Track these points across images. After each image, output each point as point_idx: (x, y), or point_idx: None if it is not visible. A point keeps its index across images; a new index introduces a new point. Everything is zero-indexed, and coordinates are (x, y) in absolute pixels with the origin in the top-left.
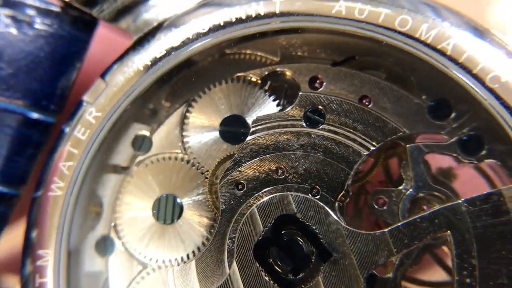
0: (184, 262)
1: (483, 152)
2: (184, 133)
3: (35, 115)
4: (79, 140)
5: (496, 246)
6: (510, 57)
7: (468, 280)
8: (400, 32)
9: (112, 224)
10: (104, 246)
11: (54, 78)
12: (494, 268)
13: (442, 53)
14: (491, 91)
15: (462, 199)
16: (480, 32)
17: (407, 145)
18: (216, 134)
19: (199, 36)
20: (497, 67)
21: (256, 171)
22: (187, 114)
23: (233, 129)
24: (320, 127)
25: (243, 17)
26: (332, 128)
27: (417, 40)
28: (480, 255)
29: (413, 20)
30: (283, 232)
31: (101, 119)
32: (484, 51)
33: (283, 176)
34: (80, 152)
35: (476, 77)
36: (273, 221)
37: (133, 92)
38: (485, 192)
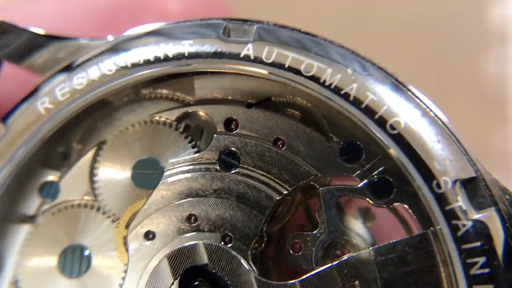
0: None
1: (392, 196)
2: (94, 178)
3: None
4: None
5: None
6: (410, 102)
7: None
8: (306, 77)
9: (13, 280)
10: None
11: None
12: None
13: (345, 98)
14: (392, 137)
15: (370, 248)
16: (383, 77)
17: (320, 189)
18: (127, 178)
19: (104, 79)
20: (398, 112)
21: (167, 218)
22: (98, 158)
23: (146, 172)
24: (235, 170)
25: (151, 59)
26: (246, 171)
27: (322, 85)
28: None
29: (318, 65)
30: (193, 284)
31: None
32: (386, 96)
33: (195, 224)
34: None
35: (377, 122)
36: (182, 273)
37: (34, 137)
38: (392, 242)
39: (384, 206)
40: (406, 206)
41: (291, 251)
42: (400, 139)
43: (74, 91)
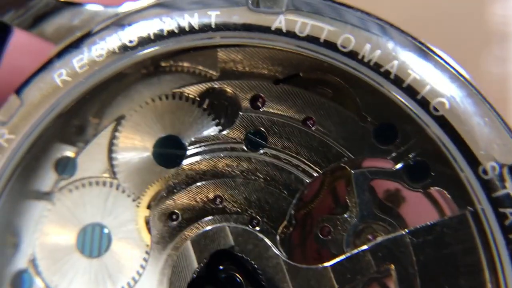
0: None
1: (429, 180)
2: (113, 155)
3: None
4: None
5: (440, 280)
6: (455, 81)
7: None
8: (342, 53)
9: (31, 258)
10: (21, 282)
11: None
12: None
13: (385, 76)
14: (434, 118)
15: (406, 230)
16: (425, 53)
17: (352, 171)
18: (148, 156)
19: (126, 50)
20: (442, 92)
21: (192, 199)
22: (117, 134)
23: (167, 151)
24: (262, 151)
25: (176, 30)
26: (274, 152)
27: (360, 61)
28: None
29: (355, 40)
30: (219, 268)
31: (15, 142)
32: (428, 74)
33: (221, 205)
34: None
35: (419, 103)
36: (208, 257)
37: (52, 111)
38: (428, 223)
39: (421, 190)
40: (444, 191)
41: (319, 234)
42: (444, 122)
43: (93, 62)
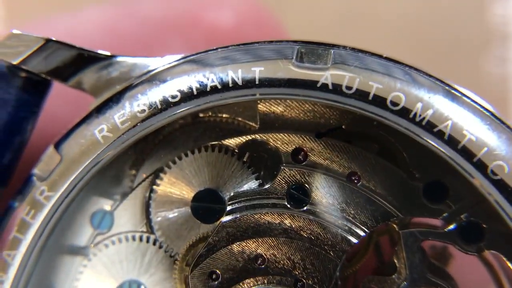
0: None
1: (484, 242)
2: (150, 209)
3: None
4: (27, 224)
5: None
6: None
7: None
8: (392, 111)
9: None
10: None
11: None
12: None
13: (439, 136)
14: (493, 182)
15: None
16: (481, 113)
17: (401, 231)
18: (187, 210)
19: (168, 106)
20: (501, 154)
21: (233, 258)
22: (155, 187)
23: (207, 205)
24: (305, 208)
25: (219, 86)
26: (318, 209)
27: (411, 121)
28: None
29: (406, 98)
30: None
31: (53, 199)
32: (485, 136)
33: (263, 266)
34: (28, 238)
35: (476, 165)
36: None
37: (92, 168)
38: None
39: (475, 253)
40: (501, 255)
41: None
42: (503, 186)
43: (135, 118)
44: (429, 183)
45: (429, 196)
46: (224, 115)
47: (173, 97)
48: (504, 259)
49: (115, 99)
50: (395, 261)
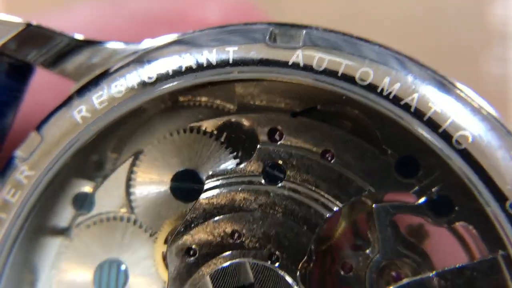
0: None
1: (454, 214)
2: (130, 190)
3: None
4: (8, 203)
5: None
6: (477, 115)
7: None
8: (361, 86)
9: None
10: None
11: None
12: None
13: (405, 109)
14: (458, 152)
15: (433, 272)
16: (446, 86)
17: (374, 206)
18: (166, 190)
19: (144, 86)
20: (465, 125)
21: (210, 234)
22: (135, 169)
23: (185, 185)
24: (280, 184)
25: (194, 66)
26: (292, 186)
27: (379, 95)
28: None
29: (374, 73)
30: None
31: (34, 178)
32: (450, 108)
33: (239, 241)
34: (8, 217)
35: (442, 136)
36: None
37: (71, 147)
38: (457, 265)
39: (446, 225)
40: (470, 226)
41: (341, 271)
42: (467, 155)
43: (113, 99)
44: (400, 159)
45: (401, 171)
46: (203, 99)
47: (149, 77)
48: (474, 230)
49: (94, 82)
50: (369, 236)
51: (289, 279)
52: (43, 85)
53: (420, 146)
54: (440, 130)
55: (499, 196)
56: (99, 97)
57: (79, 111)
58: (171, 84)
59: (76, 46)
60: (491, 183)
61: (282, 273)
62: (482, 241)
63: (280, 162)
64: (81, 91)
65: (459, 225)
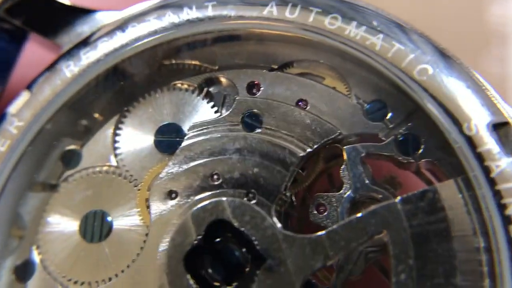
0: None
1: (420, 151)
2: (116, 145)
3: None
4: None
5: (432, 245)
6: (436, 51)
7: (405, 281)
8: (330, 30)
9: (34, 246)
10: (24, 271)
11: None
12: (431, 268)
13: (371, 49)
14: (419, 83)
15: (399, 197)
16: (407, 29)
17: (345, 147)
18: (150, 144)
19: (129, 42)
20: (426, 60)
21: (190, 178)
22: (120, 125)
23: (168, 138)
24: (257, 131)
25: (176, 21)
26: (269, 131)
27: (346, 38)
28: (417, 255)
29: (342, 18)
30: (216, 240)
31: (23, 129)
32: (413, 45)
33: (218, 182)
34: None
35: (404, 70)
36: (206, 228)
37: (58, 100)
38: (421, 190)
39: (412, 161)
40: (435, 161)
41: (315, 211)
42: (428, 85)
43: (98, 55)
44: (369, 103)
45: (370, 114)
46: (185, 61)
47: (132, 37)
48: (439, 166)
49: (82, 42)
50: (342, 178)
51: (264, 213)
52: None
53: (387, 92)
54: (403, 64)
55: (456, 120)
56: (85, 52)
57: (67, 66)
58: (152, 39)
59: (67, 14)
60: (450, 107)
61: (257, 208)
62: (446, 176)
63: (257, 111)
64: (71, 51)
65: (425, 169)
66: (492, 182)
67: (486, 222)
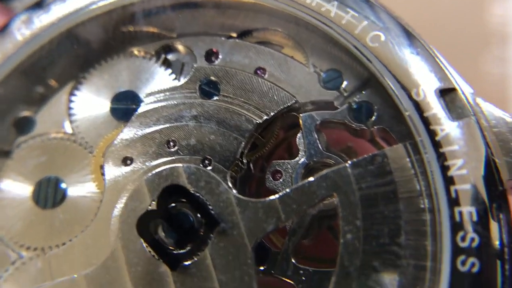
0: None
1: (373, 118)
2: (71, 112)
3: None
4: None
5: (380, 207)
6: (389, 18)
7: (352, 242)
8: None
9: None
10: None
11: None
12: (377, 228)
13: (326, 16)
14: (371, 49)
15: (349, 162)
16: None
17: (301, 114)
18: (106, 111)
19: (85, 7)
20: (378, 27)
21: (146, 144)
22: (76, 92)
23: (125, 105)
24: (215, 98)
25: None
26: (226, 99)
27: (302, 4)
28: (365, 216)
29: None
30: (171, 205)
31: None
32: (366, 13)
33: (174, 149)
34: None
35: (357, 37)
36: (160, 192)
37: (9, 64)
38: (370, 154)
39: (365, 127)
40: (387, 128)
41: (271, 178)
42: (380, 52)
43: (51, 18)
44: (325, 72)
45: (326, 83)
46: (144, 28)
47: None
48: (390, 133)
49: (35, 5)
50: (298, 146)
51: (219, 178)
52: None
53: (342, 61)
54: (357, 31)
55: (406, 84)
56: (38, 16)
57: (19, 29)
58: (107, 2)
59: None
60: (399, 76)
61: (213, 174)
62: (397, 142)
63: (215, 79)
64: (23, 14)
65: (381, 141)
66: (437, 145)
67: (430, 184)
